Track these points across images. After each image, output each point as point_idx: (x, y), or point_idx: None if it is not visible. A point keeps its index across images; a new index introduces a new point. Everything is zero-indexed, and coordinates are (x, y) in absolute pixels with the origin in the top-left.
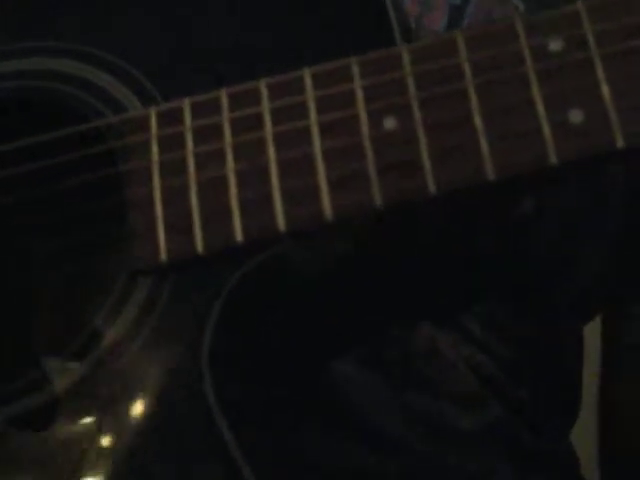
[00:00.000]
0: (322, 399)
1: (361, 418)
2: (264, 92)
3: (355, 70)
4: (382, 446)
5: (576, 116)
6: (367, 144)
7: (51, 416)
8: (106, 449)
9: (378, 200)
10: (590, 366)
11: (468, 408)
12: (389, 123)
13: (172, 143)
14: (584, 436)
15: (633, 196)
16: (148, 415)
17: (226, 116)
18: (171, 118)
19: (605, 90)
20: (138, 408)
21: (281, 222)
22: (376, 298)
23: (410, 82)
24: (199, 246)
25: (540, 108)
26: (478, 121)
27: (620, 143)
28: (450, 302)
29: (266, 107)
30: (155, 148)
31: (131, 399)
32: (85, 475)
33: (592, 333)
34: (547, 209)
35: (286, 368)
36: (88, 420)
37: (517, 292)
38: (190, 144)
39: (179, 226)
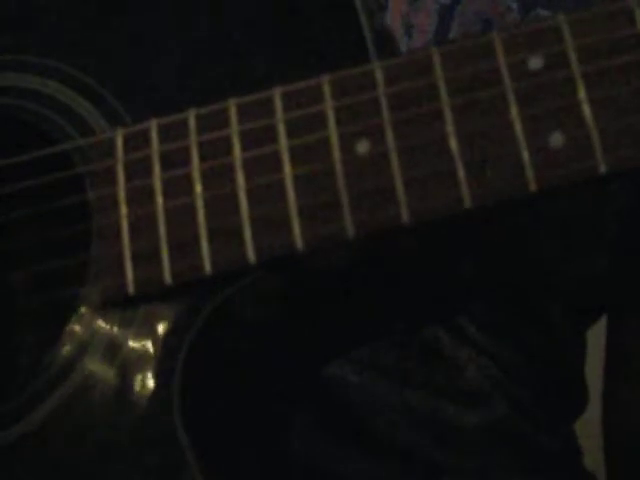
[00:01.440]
0: (320, 404)
1: (360, 420)
2: (233, 114)
3: (326, 90)
4: (383, 447)
5: (556, 140)
6: (339, 170)
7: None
8: None
9: (350, 230)
10: (593, 362)
11: (473, 406)
12: (362, 147)
13: (139, 168)
14: (589, 427)
15: (631, 200)
16: (119, 453)
17: (194, 139)
18: (138, 141)
19: (587, 112)
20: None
21: (251, 252)
22: (365, 309)
23: (383, 103)
24: (167, 277)
25: (519, 131)
26: (454, 145)
27: (603, 169)
28: (442, 308)
29: (235, 130)
30: (122, 174)
31: (102, 432)
32: None
33: (595, 329)
34: (544, 214)
35: (263, 391)
36: None
37: (514, 294)
38: (157, 170)
39: (146, 256)
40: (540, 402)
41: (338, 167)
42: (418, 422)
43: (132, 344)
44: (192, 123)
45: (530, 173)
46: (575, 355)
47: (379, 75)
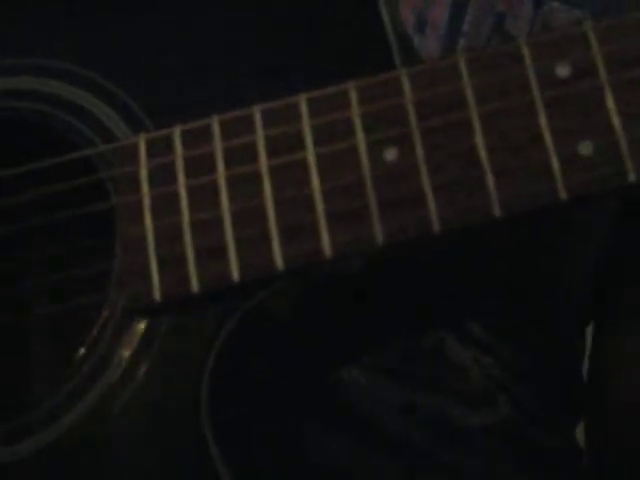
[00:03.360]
0: (325, 403)
1: (364, 419)
2: (258, 120)
3: (353, 96)
4: (386, 446)
5: (586, 148)
6: (367, 177)
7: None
8: None
9: (379, 237)
10: None
11: (476, 406)
12: (390, 154)
13: (163, 175)
14: None
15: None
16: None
17: (219, 146)
18: (161, 147)
19: (616, 120)
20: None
21: (279, 260)
22: (378, 314)
23: (411, 110)
24: (194, 285)
25: (548, 140)
26: (483, 153)
27: (632, 177)
28: (449, 314)
29: (260, 136)
30: (145, 181)
31: (129, 442)
32: None
33: None
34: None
35: (287, 394)
36: None
37: (516, 295)
38: (182, 177)
39: (173, 265)
40: (543, 402)
41: (366, 174)
42: (423, 422)
43: (157, 355)
44: (216, 129)
45: (560, 181)
46: (578, 356)
47: (405, 82)
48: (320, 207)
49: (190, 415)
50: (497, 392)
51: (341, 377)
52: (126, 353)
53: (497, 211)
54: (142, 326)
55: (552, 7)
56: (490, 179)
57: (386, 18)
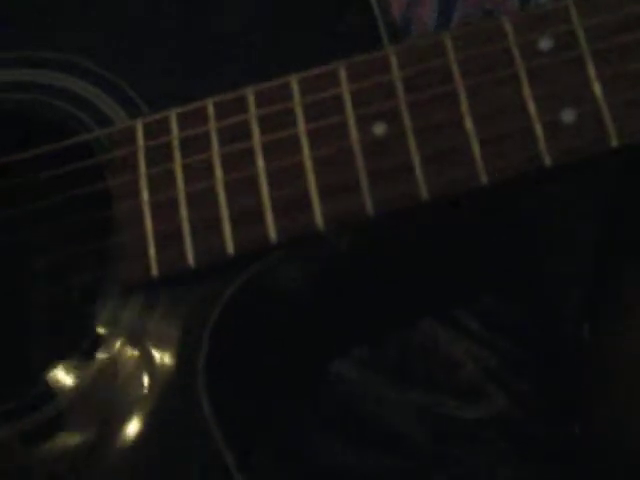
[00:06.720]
0: (322, 402)
1: (361, 417)
2: (251, 100)
3: (342, 75)
4: (383, 443)
5: (568, 115)
6: (357, 151)
7: (58, 428)
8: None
9: (369, 208)
10: None
11: (471, 400)
12: (379, 129)
13: (159, 155)
14: None
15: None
16: (145, 428)
17: (213, 126)
18: (158, 129)
19: (597, 88)
20: (135, 423)
21: (272, 233)
22: (373, 300)
23: (399, 86)
24: (190, 259)
25: (531, 109)
26: (469, 124)
27: (614, 142)
28: (447, 300)
29: (253, 115)
30: (142, 161)
31: (128, 412)
32: None
33: None
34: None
35: (284, 374)
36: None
37: (515, 286)
38: (178, 156)
39: (169, 239)
40: (541, 395)
41: (356, 148)
42: (419, 417)
43: (157, 324)
44: (211, 110)
45: (544, 148)
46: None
47: (393, 59)
48: (312, 181)
49: (189, 379)
50: (492, 385)
51: (335, 372)
52: (127, 322)
53: (484, 179)
54: (141, 299)
55: (538, 3)
56: (476, 148)
57: (377, 11)
